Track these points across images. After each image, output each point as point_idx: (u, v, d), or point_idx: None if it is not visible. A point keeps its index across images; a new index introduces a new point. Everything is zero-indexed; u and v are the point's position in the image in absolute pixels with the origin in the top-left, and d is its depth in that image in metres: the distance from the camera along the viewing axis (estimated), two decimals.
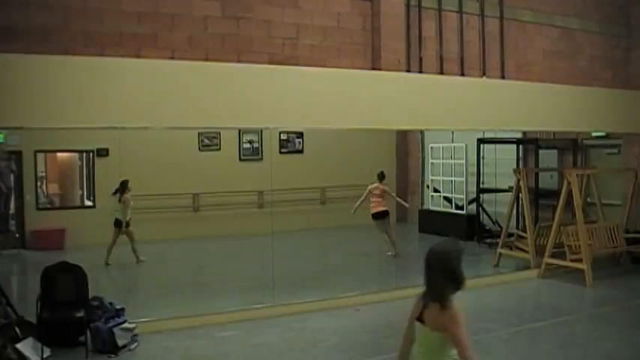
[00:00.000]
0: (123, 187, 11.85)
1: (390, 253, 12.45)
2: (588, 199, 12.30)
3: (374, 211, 12.45)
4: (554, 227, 10.91)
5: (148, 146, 13.48)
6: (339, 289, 9.71)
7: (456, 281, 3.56)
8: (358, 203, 12.49)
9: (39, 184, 14.30)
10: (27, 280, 11.28)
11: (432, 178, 16.35)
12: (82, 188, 15.39)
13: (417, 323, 3.64)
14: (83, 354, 6.99)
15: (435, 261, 3.61)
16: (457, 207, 15.43)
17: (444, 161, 15.73)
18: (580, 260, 10.35)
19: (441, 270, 3.56)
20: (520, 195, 11.95)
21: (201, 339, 7.66)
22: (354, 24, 9.36)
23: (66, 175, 15.68)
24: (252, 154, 15.81)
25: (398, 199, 13.20)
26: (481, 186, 14.29)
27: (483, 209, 14.47)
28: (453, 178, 15.48)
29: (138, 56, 7.78)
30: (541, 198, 13.48)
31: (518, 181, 11.59)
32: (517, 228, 12.91)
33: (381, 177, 12.60)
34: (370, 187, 12.52)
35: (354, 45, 9.37)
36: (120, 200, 11.89)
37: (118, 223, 11.82)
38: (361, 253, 13.46)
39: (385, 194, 12.54)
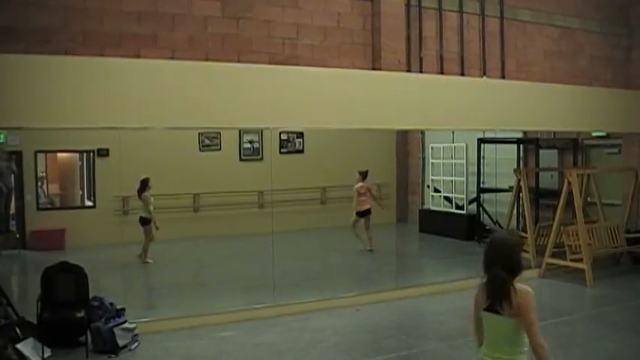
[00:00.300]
0: (143, 185, 11.96)
1: (368, 249, 12.85)
2: (589, 199, 12.30)
3: (363, 208, 12.72)
4: (554, 227, 10.91)
5: (148, 146, 13.47)
6: (340, 289, 9.71)
7: (515, 271, 3.73)
8: (355, 205, 12.65)
9: (39, 184, 14.30)
10: (27, 280, 11.28)
11: (433, 178, 16.35)
12: (82, 188, 15.40)
13: (487, 313, 3.79)
14: (83, 354, 7.00)
15: (495, 254, 3.77)
16: (457, 207, 15.43)
17: (445, 161, 15.73)
18: (580, 260, 10.35)
19: (501, 260, 3.72)
20: (520, 195, 11.95)
21: (202, 339, 7.66)
22: (355, 24, 9.37)
23: (66, 176, 15.68)
24: (252, 154, 15.81)
25: (374, 197, 13.35)
26: (481, 186, 14.29)
27: (484, 209, 14.47)
28: (453, 178, 15.48)
29: (138, 56, 7.78)
30: (541, 198, 13.48)
31: (519, 180, 11.60)
32: (517, 228, 12.91)
33: (365, 175, 12.83)
34: (357, 186, 12.78)
35: (354, 45, 9.37)
36: (140, 198, 11.99)
37: (143, 221, 11.96)
38: (361, 253, 13.45)
39: (369, 192, 12.84)
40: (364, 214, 12.75)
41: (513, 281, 3.70)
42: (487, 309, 3.78)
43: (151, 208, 11.91)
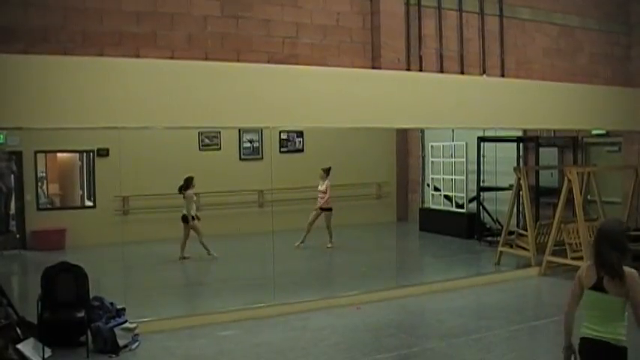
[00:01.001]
0: (187, 183, 12.27)
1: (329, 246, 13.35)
2: (589, 197, 12.30)
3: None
4: (554, 225, 10.91)
5: (148, 146, 13.49)
6: (340, 287, 9.71)
7: (624, 254, 4.18)
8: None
9: (39, 184, 14.30)
10: (28, 280, 11.27)
11: (433, 176, 16.34)
12: (82, 188, 15.40)
13: (593, 291, 4.24)
14: (84, 354, 7.00)
15: (606, 239, 4.21)
16: (457, 205, 15.42)
17: (445, 160, 15.72)
18: (581, 258, 10.33)
19: (612, 247, 4.16)
20: (520, 193, 11.95)
21: (202, 338, 7.66)
22: (354, 23, 9.36)
23: (66, 176, 15.68)
24: (252, 153, 15.80)
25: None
26: (481, 184, 14.28)
27: (484, 207, 14.47)
28: (453, 177, 15.47)
29: (137, 56, 7.77)
30: (541, 196, 13.48)
31: (519, 179, 11.59)
32: (518, 226, 12.92)
33: (328, 173, 13.44)
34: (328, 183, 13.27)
35: (353, 44, 9.36)
36: (184, 196, 12.27)
37: (184, 219, 12.25)
38: (362, 251, 13.47)
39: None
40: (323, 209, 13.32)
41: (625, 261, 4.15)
42: (593, 287, 4.22)
43: (194, 206, 12.27)
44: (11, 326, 7.01)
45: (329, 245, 13.25)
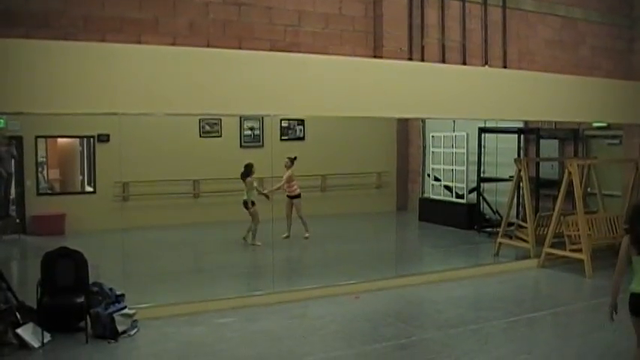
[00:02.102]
0: (247, 170, 12.45)
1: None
2: (589, 190, 12.30)
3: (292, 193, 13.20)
4: (554, 217, 10.92)
5: (148, 132, 13.48)
6: (339, 276, 9.73)
7: None
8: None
9: (39, 169, 14.29)
10: (27, 265, 11.30)
11: (433, 166, 16.33)
12: (82, 174, 15.41)
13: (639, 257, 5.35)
14: (83, 339, 7.02)
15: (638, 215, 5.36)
16: (457, 196, 15.42)
17: (445, 150, 15.71)
18: (580, 250, 10.37)
19: None
20: (521, 184, 11.95)
21: (201, 325, 7.69)
22: (356, 11, 9.33)
23: (66, 161, 15.69)
24: (252, 140, 15.79)
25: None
26: (482, 175, 14.28)
27: (484, 198, 14.47)
28: (453, 167, 15.47)
29: (139, 42, 7.75)
30: (542, 188, 13.47)
31: (519, 170, 11.59)
32: (517, 217, 12.92)
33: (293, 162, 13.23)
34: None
35: (355, 32, 9.33)
36: (244, 182, 12.42)
37: (247, 205, 12.42)
38: (361, 240, 13.47)
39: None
40: (293, 197, 13.16)
41: None
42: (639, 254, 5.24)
43: (255, 192, 12.38)
44: (11, 311, 7.03)
45: (306, 235, 13.15)
